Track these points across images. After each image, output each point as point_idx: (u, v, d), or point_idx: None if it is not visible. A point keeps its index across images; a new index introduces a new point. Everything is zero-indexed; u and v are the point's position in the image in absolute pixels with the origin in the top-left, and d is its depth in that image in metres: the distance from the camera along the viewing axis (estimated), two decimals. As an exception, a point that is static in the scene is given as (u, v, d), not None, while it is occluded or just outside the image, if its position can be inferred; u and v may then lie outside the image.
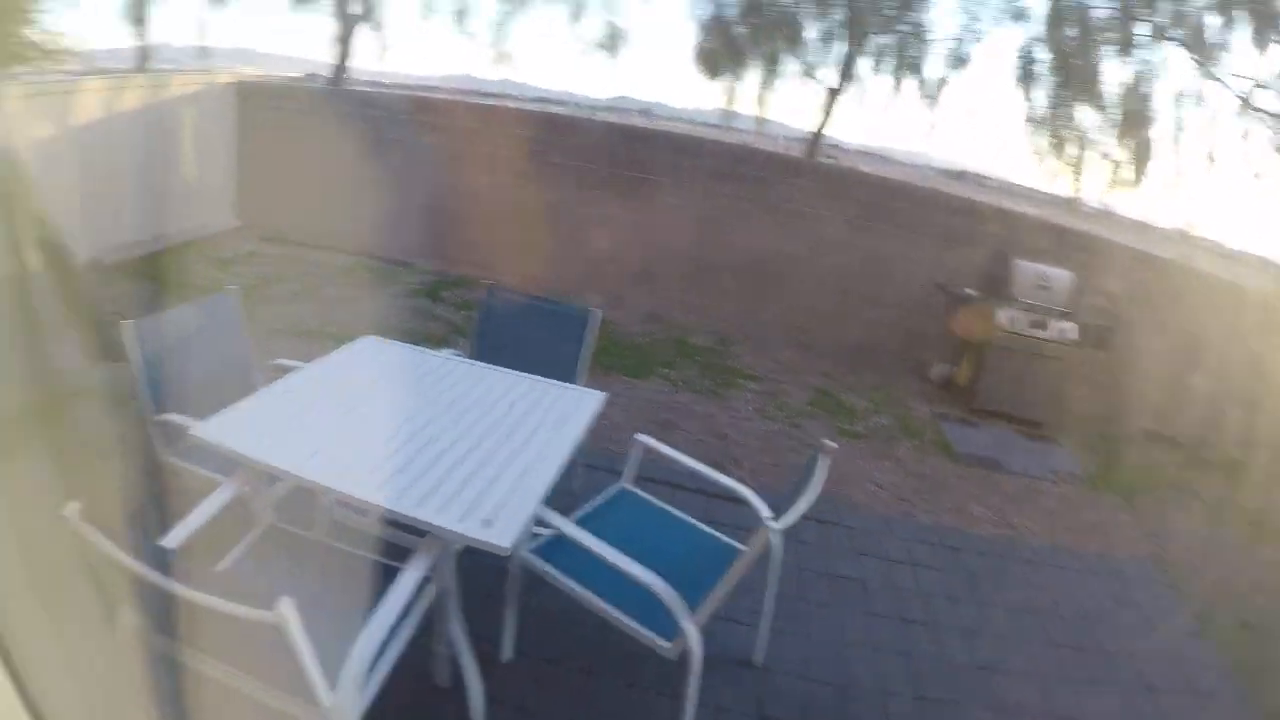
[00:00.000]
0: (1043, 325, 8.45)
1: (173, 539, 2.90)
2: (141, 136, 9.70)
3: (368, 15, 14.02)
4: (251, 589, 2.63)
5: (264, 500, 3.41)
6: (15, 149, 6.37)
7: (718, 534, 3.93)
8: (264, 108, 11.20)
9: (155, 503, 3.90)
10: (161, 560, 2.46)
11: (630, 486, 4.16)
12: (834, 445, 3.42)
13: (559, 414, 3.80)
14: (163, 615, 2.44)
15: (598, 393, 4.14)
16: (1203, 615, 5.35)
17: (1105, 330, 8.71)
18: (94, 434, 5.23)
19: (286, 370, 4.06)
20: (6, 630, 1.80)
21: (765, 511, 3.23)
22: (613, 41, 14.01)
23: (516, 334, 4.98)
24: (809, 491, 3.34)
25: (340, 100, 11.73)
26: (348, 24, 13.80)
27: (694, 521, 4.03)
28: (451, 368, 4.21)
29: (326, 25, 14.31)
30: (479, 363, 4.38)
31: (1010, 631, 4.79)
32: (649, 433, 4.14)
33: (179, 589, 2.26)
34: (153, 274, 8.73)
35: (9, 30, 12.88)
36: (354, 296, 8.72)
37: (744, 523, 3.40)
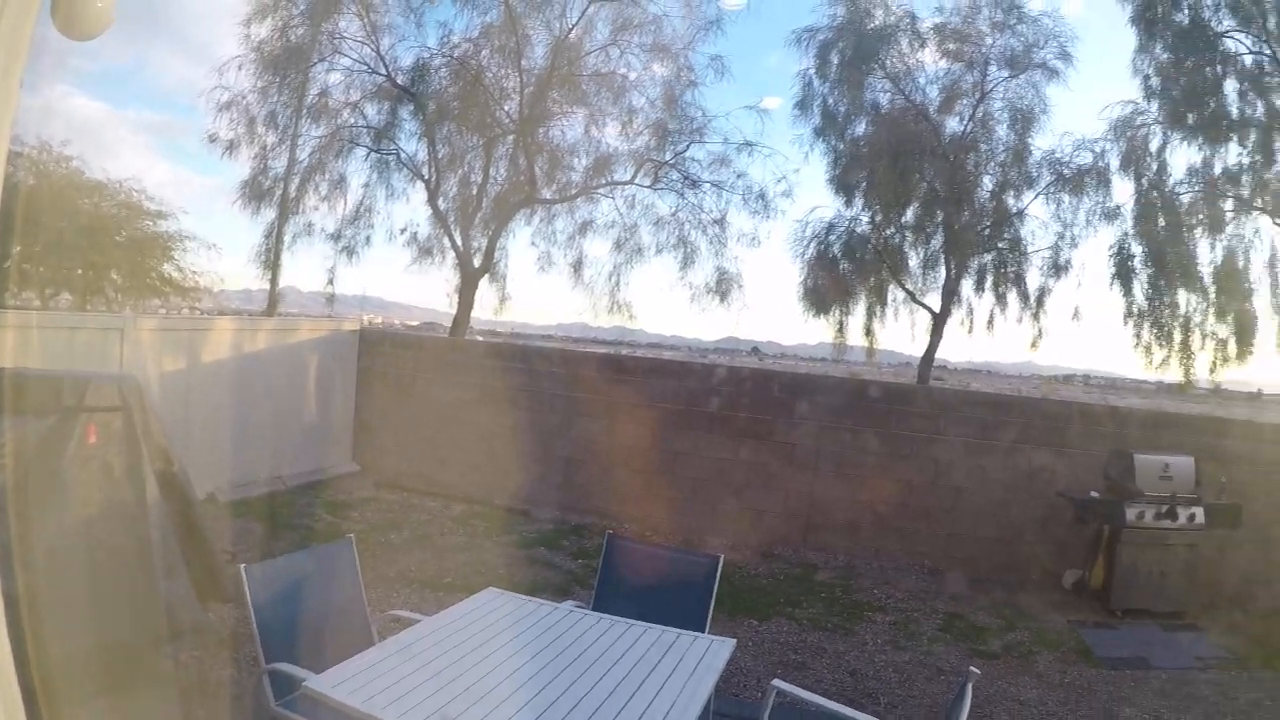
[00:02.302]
0: (1172, 515, 8.24)
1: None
2: (266, 377, 10.27)
3: (486, 268, 14.77)
4: None
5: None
6: (145, 380, 6.67)
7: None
8: (385, 355, 11.79)
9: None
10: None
11: (767, 735, 3.98)
12: (978, 671, 3.30)
13: (688, 665, 3.73)
14: None
15: (727, 640, 4.07)
16: None
17: (1234, 509, 8.43)
18: (202, 677, 5.23)
19: (403, 622, 4.07)
20: None
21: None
22: (721, 286, 14.52)
23: (639, 582, 4.96)
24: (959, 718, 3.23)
25: (457, 349, 12.20)
26: (467, 276, 14.51)
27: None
28: (574, 620, 4.18)
29: (448, 277, 15.11)
30: (602, 614, 4.33)
31: None
32: (779, 675, 4.02)
33: None
34: (270, 515, 8.98)
35: (148, 265, 13.92)
36: (471, 545, 8.77)
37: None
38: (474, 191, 14.68)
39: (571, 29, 14.26)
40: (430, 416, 11.12)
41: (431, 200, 14.49)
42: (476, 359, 11.43)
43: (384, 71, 14.28)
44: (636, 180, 14.83)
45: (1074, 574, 8.87)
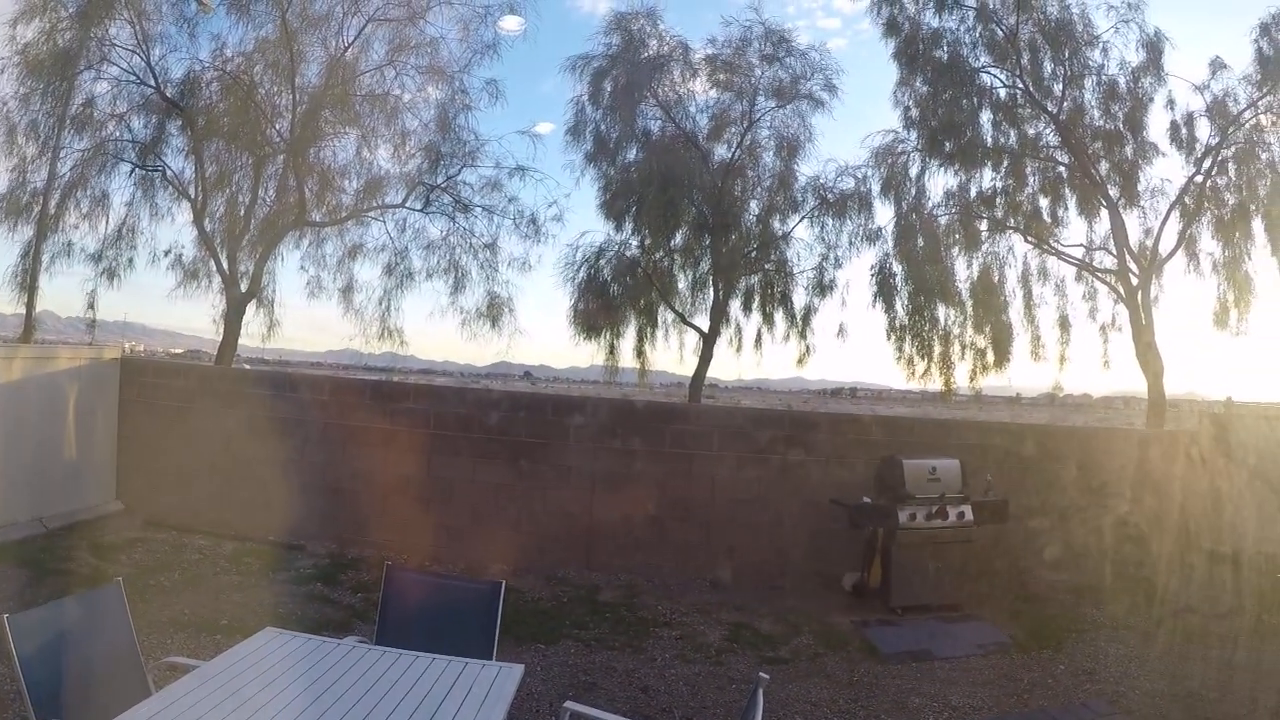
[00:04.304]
0: (942, 514, 8.77)
1: None
2: (22, 411, 9.39)
3: (254, 293, 14.17)
4: None
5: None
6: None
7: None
8: (148, 385, 10.97)
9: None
10: None
11: (564, 760, 3.93)
12: (767, 676, 3.40)
13: (478, 694, 3.64)
14: None
15: (515, 666, 3.99)
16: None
17: (999, 504, 9.11)
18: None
19: (180, 669, 3.83)
20: None
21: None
22: (493, 310, 14.47)
23: (422, 613, 4.80)
24: (753, 723, 3.27)
25: (225, 378, 11.63)
26: (234, 301, 13.89)
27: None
28: (358, 656, 4.01)
29: (214, 302, 14.42)
30: (386, 648, 4.19)
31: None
32: (571, 697, 4.00)
33: None
34: (30, 560, 8.25)
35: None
36: (247, 584, 8.26)
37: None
38: (242, 213, 14.12)
39: (348, 48, 14.02)
40: (197, 450, 10.46)
41: (197, 221, 13.82)
42: (245, 388, 10.96)
43: (153, 83, 13.53)
44: (408, 204, 14.70)
45: (853, 576, 9.23)
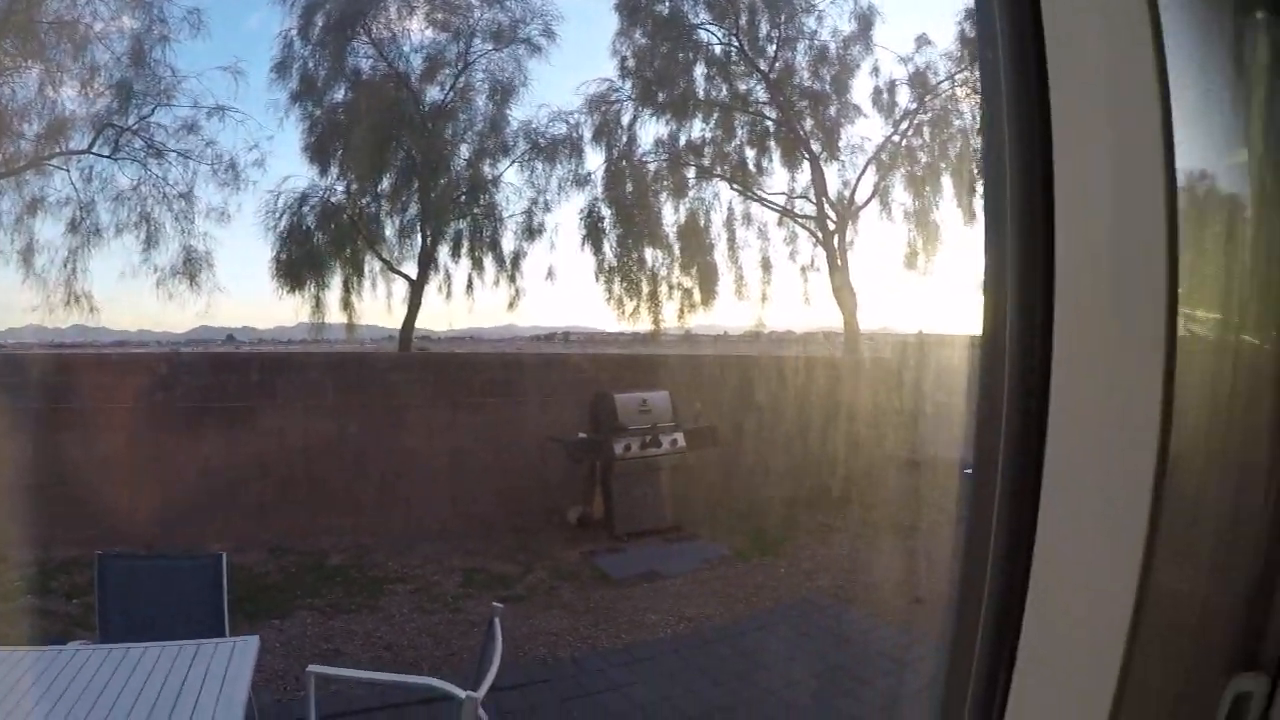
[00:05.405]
0: (655, 442, 9.29)
1: None
2: None
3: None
4: None
5: None
6: None
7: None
8: None
9: None
10: None
11: (319, 730, 3.89)
12: (501, 606, 3.58)
13: (217, 672, 3.56)
14: None
15: (250, 638, 3.92)
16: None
17: (709, 430, 9.81)
18: None
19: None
20: None
21: (459, 692, 3.23)
22: (190, 267, 13.42)
23: (145, 601, 4.57)
24: (494, 654, 3.44)
25: None
26: None
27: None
28: (83, 660, 3.76)
29: None
30: (112, 645, 3.98)
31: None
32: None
33: None
34: None
35: None
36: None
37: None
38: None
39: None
40: None
41: None
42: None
43: None
44: (95, 149, 13.30)
45: (577, 510, 9.58)
